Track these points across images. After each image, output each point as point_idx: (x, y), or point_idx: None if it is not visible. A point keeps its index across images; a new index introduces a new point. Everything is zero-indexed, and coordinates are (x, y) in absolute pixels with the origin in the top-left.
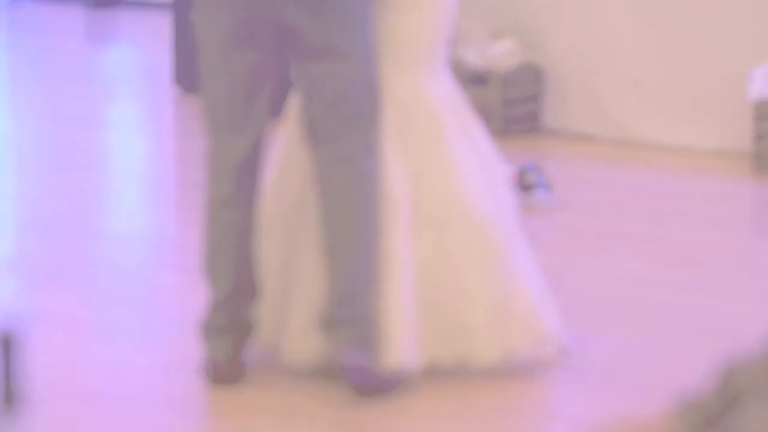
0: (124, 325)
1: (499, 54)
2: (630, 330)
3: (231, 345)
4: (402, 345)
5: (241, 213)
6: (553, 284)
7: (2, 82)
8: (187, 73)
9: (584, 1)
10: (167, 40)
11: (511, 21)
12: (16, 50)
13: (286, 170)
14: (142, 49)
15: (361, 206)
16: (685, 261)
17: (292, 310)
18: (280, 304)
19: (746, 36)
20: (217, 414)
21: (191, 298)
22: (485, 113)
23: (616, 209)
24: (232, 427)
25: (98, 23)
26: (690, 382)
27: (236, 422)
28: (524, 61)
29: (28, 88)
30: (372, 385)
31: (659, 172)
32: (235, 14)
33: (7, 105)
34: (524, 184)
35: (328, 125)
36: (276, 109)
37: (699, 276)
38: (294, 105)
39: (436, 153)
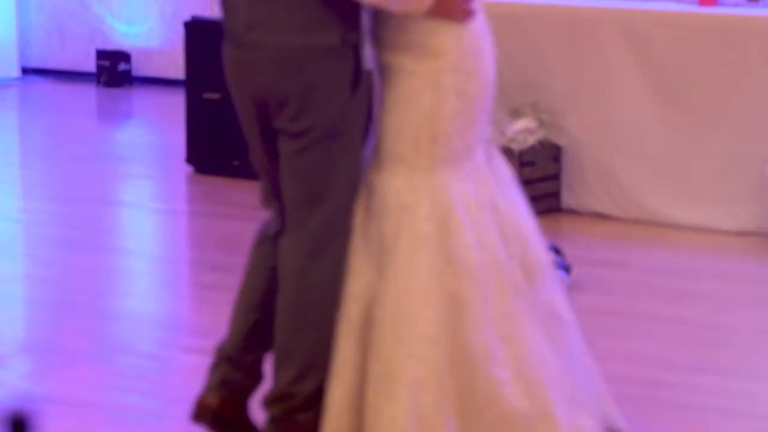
0: (137, 408)
1: (518, 133)
2: (650, 413)
3: (219, 378)
4: None
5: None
6: None
7: (14, 160)
8: (199, 153)
9: (603, 79)
10: (180, 118)
11: (529, 99)
12: (28, 129)
13: None
14: (154, 127)
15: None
16: (706, 342)
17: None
18: None
19: (765, 116)
20: None
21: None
22: None
23: (636, 290)
24: None
25: (110, 101)
26: None
27: None
28: (543, 139)
29: (40, 167)
30: None
31: (679, 252)
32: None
33: (19, 184)
34: None
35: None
36: None
37: (721, 358)
38: None
39: (392, 264)
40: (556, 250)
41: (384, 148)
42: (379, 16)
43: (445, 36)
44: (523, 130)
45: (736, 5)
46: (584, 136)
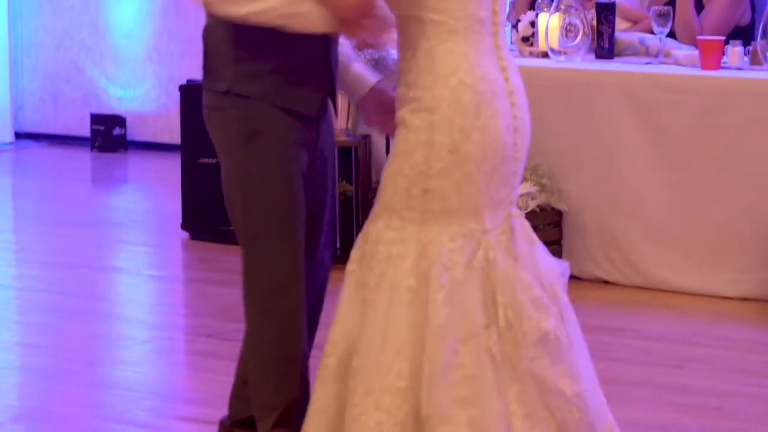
0: None
1: (518, 197)
2: None
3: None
4: None
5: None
6: None
7: (7, 226)
8: (195, 219)
9: (605, 144)
10: (176, 183)
11: (530, 164)
12: (21, 194)
13: None
14: (150, 192)
15: None
16: (712, 410)
17: None
18: None
19: None
20: None
21: None
22: None
23: (638, 357)
24: None
25: (105, 166)
26: None
27: None
28: (544, 204)
29: (34, 233)
30: None
31: (681, 319)
32: None
33: (13, 250)
34: None
35: None
36: None
37: (724, 427)
38: None
39: (372, 314)
40: None
41: (381, 198)
42: (399, 75)
43: (440, 91)
44: (524, 195)
45: (738, 69)
46: (585, 201)
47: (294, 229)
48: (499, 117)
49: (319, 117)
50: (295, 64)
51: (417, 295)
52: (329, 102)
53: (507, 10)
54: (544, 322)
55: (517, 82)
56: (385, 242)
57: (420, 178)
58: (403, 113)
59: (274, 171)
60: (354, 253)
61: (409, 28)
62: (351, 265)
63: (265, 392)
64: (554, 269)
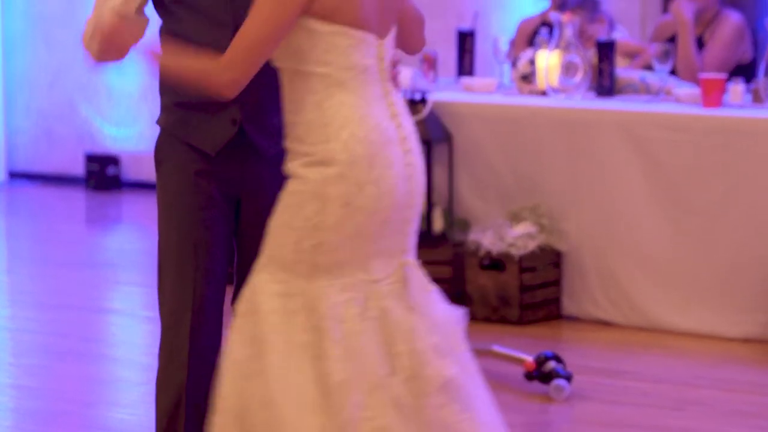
0: None
1: (518, 237)
2: None
3: None
4: None
5: None
6: None
7: (0, 267)
8: None
9: (605, 183)
10: None
11: (529, 203)
12: (15, 234)
13: None
14: (144, 232)
15: None
16: None
17: None
18: None
19: None
20: None
21: None
22: (502, 300)
23: (638, 399)
24: None
25: (99, 206)
26: None
27: None
28: (543, 244)
29: (27, 273)
30: None
31: (682, 360)
32: None
33: (6, 291)
34: (543, 374)
35: None
36: None
37: None
38: None
39: (269, 370)
40: (557, 359)
41: (267, 250)
42: (285, 128)
43: (333, 144)
44: (523, 235)
45: (740, 107)
46: (585, 241)
47: (185, 259)
48: (393, 166)
49: (235, 156)
50: (200, 101)
51: (314, 350)
52: (257, 146)
53: (392, 53)
54: (447, 368)
55: (409, 127)
56: (269, 294)
57: (311, 232)
58: (293, 166)
59: (174, 200)
60: (240, 306)
61: (294, 82)
62: (238, 320)
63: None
64: (451, 317)
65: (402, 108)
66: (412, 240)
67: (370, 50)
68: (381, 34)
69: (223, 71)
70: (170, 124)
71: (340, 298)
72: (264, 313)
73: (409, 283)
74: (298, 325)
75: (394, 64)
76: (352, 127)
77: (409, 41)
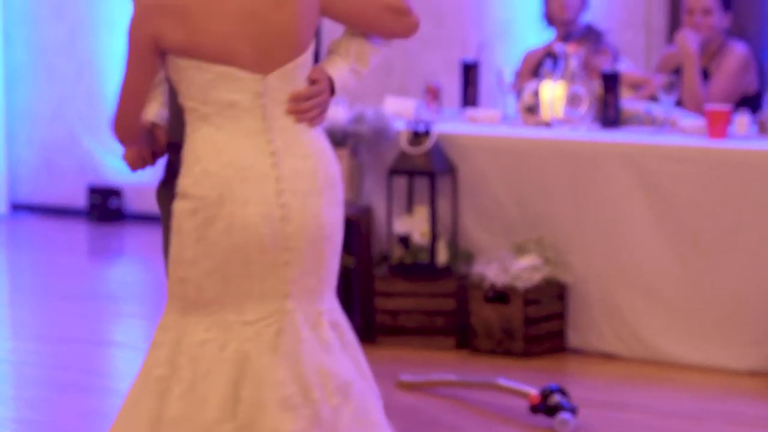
0: None
1: (522, 270)
2: None
3: None
4: None
5: None
6: None
7: (2, 299)
8: None
9: (610, 215)
10: None
11: (534, 236)
12: (16, 266)
13: None
14: (147, 265)
15: None
16: None
17: None
18: None
19: None
20: None
21: None
22: (507, 333)
23: None
24: None
25: (101, 238)
26: None
27: None
28: (548, 277)
29: (29, 306)
30: None
31: (688, 393)
32: None
33: (8, 324)
34: (548, 407)
35: None
36: None
37: None
38: None
39: (123, 405)
40: (562, 392)
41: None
42: None
43: (187, 179)
44: (528, 268)
45: (746, 138)
46: (590, 274)
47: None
48: (250, 205)
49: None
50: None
51: (163, 385)
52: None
53: (296, 87)
54: (288, 423)
55: (292, 166)
56: (158, 328)
57: (176, 266)
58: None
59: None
60: None
61: (185, 116)
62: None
63: None
64: (342, 372)
65: (288, 146)
66: (301, 285)
67: (239, 85)
68: (260, 69)
69: (114, 120)
70: (170, 160)
71: (201, 336)
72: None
73: (287, 328)
74: (159, 359)
75: (298, 98)
76: (205, 161)
77: (383, 30)
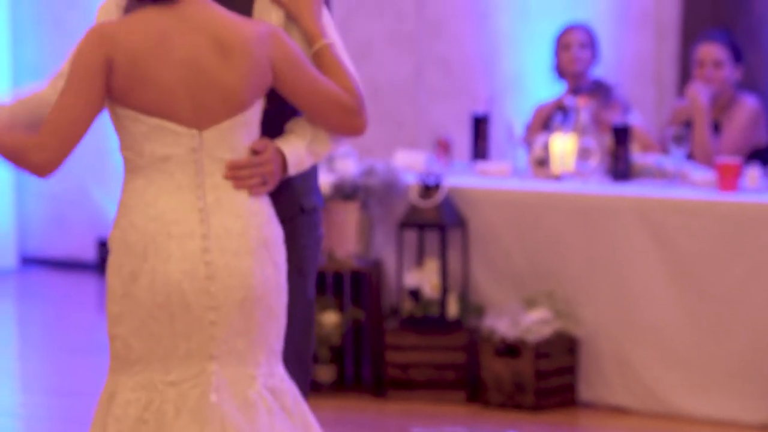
0: None
1: (533, 323)
2: None
3: None
4: None
5: None
6: None
7: (12, 353)
8: None
9: (620, 269)
10: None
11: (545, 289)
12: (26, 320)
13: None
14: None
15: None
16: None
17: None
18: None
19: None
20: None
21: None
22: (518, 386)
23: None
24: None
25: None
26: None
27: None
28: (558, 330)
29: (39, 360)
30: None
31: None
32: None
33: (18, 377)
34: None
35: None
36: None
37: None
38: None
39: None
40: None
41: None
42: None
43: (114, 231)
44: (539, 321)
45: (757, 191)
46: (601, 327)
47: None
48: (174, 261)
49: None
50: None
51: None
52: None
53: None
54: None
55: (222, 224)
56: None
57: (108, 324)
58: None
59: None
60: None
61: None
62: None
63: None
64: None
65: (221, 203)
66: (228, 347)
67: (174, 139)
68: (197, 124)
69: (38, 151)
70: None
71: (128, 396)
72: None
73: (207, 393)
74: (95, 420)
75: (237, 166)
76: (132, 214)
77: (328, 124)
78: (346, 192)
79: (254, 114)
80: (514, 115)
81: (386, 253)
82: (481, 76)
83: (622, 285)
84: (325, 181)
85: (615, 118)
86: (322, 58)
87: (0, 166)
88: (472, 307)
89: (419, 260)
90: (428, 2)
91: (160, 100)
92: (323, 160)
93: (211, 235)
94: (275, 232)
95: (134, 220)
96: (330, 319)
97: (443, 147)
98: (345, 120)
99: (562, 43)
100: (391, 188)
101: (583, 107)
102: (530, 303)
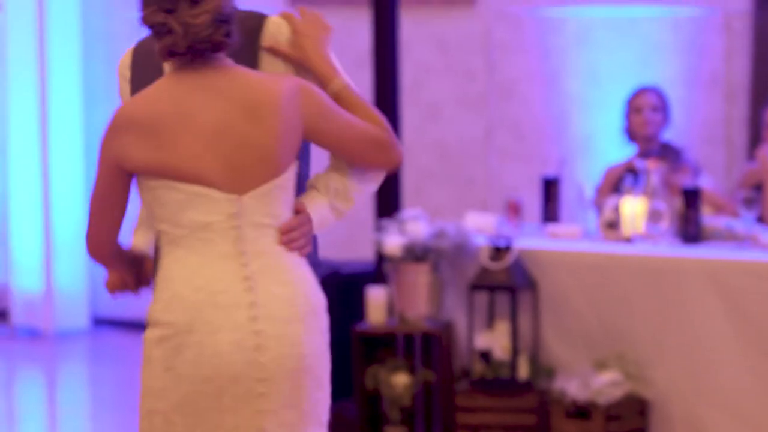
0: None
1: (603, 386)
2: None
3: None
4: None
5: None
6: None
7: (85, 414)
8: None
9: (691, 331)
10: None
11: (615, 351)
12: (98, 381)
13: None
14: None
15: None
16: None
17: None
18: None
19: None
20: None
21: None
22: None
23: None
24: None
25: None
26: None
27: None
28: (629, 393)
29: (112, 421)
30: None
31: None
32: None
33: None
34: None
35: None
36: None
37: None
38: None
39: None
40: None
41: None
42: None
43: (157, 304)
44: (609, 383)
45: None
46: (672, 390)
47: None
48: (222, 332)
49: None
50: None
51: None
52: None
53: (275, 209)
54: None
55: (269, 291)
56: None
57: (144, 398)
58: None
59: None
60: None
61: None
62: None
63: None
64: None
65: (264, 270)
66: (279, 420)
67: (212, 206)
68: (234, 189)
69: (86, 238)
70: None
71: None
72: None
73: None
74: None
75: (289, 229)
76: (176, 286)
77: (365, 163)
78: (417, 254)
79: (291, 177)
80: (584, 177)
81: (457, 314)
82: (552, 138)
83: (692, 347)
84: (396, 243)
85: (685, 180)
86: (343, 99)
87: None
88: (542, 369)
89: (490, 322)
90: (499, 64)
91: (193, 168)
92: (394, 223)
93: (259, 303)
94: (321, 298)
95: (179, 291)
96: (401, 380)
97: (513, 209)
98: (381, 155)
99: (633, 106)
100: (461, 250)
101: (654, 170)
102: (601, 365)
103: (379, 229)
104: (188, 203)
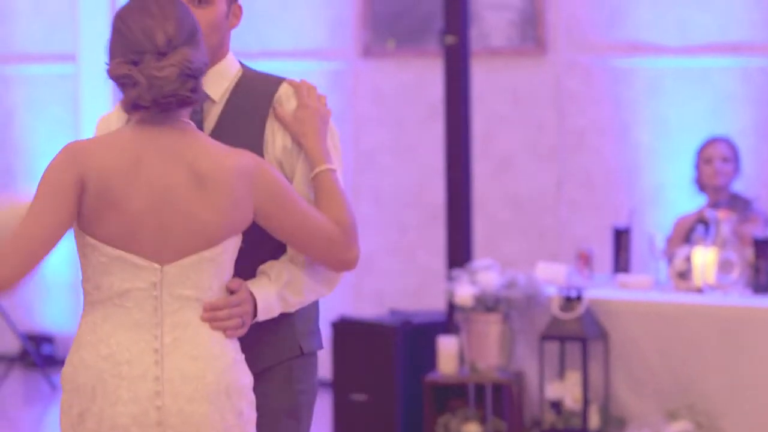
0: None
1: None
2: None
3: None
4: None
5: None
6: None
7: None
8: None
9: (761, 381)
10: (327, 421)
11: (686, 401)
12: None
13: None
14: None
15: None
16: None
17: None
18: None
19: None
20: None
21: None
22: None
23: None
24: None
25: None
26: None
27: None
28: None
29: None
30: None
31: None
32: None
33: None
34: None
35: None
36: None
37: None
38: None
39: None
40: None
41: None
42: None
43: (65, 367)
44: None
45: None
46: None
47: None
48: (122, 404)
49: None
50: None
51: None
52: None
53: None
54: None
55: (178, 366)
56: None
57: None
58: None
59: None
60: None
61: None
62: None
63: None
64: None
65: (179, 344)
66: None
67: (134, 273)
68: (159, 258)
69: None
70: None
71: None
72: None
73: None
74: None
75: (214, 307)
76: (83, 351)
77: (315, 258)
78: (488, 304)
79: (225, 251)
80: (655, 227)
81: (528, 364)
82: (623, 188)
83: (764, 397)
84: (467, 292)
85: (755, 231)
86: (321, 183)
87: None
88: (613, 420)
89: (561, 372)
90: (569, 115)
91: (125, 229)
92: (465, 273)
93: (164, 378)
94: (241, 378)
95: (85, 358)
96: (472, 430)
97: (584, 259)
98: (331, 253)
99: (704, 156)
100: (532, 300)
101: (724, 220)
102: (672, 415)
103: (450, 278)
104: (110, 267)
